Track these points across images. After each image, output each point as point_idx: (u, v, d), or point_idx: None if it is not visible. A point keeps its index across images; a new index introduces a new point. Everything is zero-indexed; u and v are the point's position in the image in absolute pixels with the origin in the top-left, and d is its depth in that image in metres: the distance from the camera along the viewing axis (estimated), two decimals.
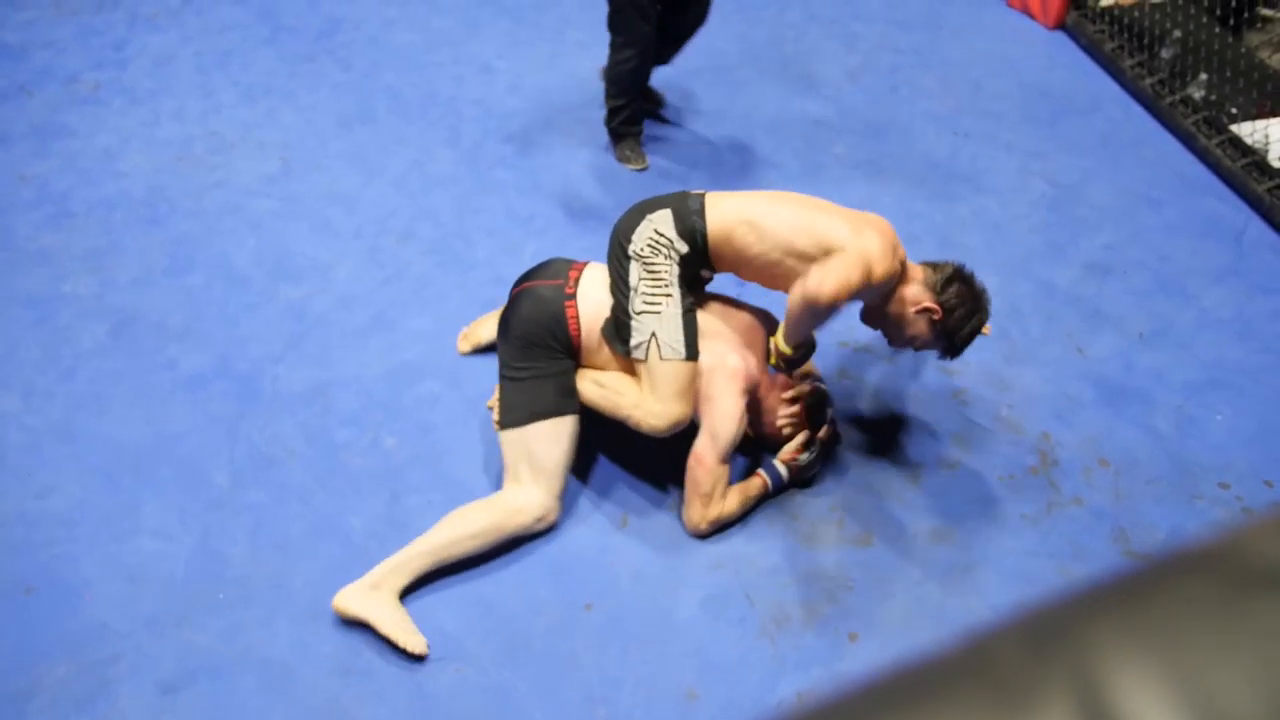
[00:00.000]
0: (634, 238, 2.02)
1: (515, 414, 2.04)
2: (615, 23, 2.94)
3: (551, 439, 2.03)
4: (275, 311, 2.61)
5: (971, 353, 2.66)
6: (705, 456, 2.07)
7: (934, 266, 2.09)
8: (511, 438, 2.05)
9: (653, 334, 2.00)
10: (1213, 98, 3.49)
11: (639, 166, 3.21)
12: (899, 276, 2.03)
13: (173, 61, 3.47)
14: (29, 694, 1.80)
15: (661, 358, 2.01)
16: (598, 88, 3.56)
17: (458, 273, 2.77)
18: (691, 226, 2.01)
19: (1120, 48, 3.80)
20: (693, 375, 2.05)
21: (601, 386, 2.09)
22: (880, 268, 1.92)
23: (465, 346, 2.53)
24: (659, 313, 2.00)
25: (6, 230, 2.76)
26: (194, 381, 2.40)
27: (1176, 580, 0.32)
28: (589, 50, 3.75)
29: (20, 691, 1.80)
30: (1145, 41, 3.73)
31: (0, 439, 2.23)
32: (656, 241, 2.01)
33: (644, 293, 2.00)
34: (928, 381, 2.57)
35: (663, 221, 2.02)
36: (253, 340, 2.52)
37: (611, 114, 3.18)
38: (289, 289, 2.68)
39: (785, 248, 2.00)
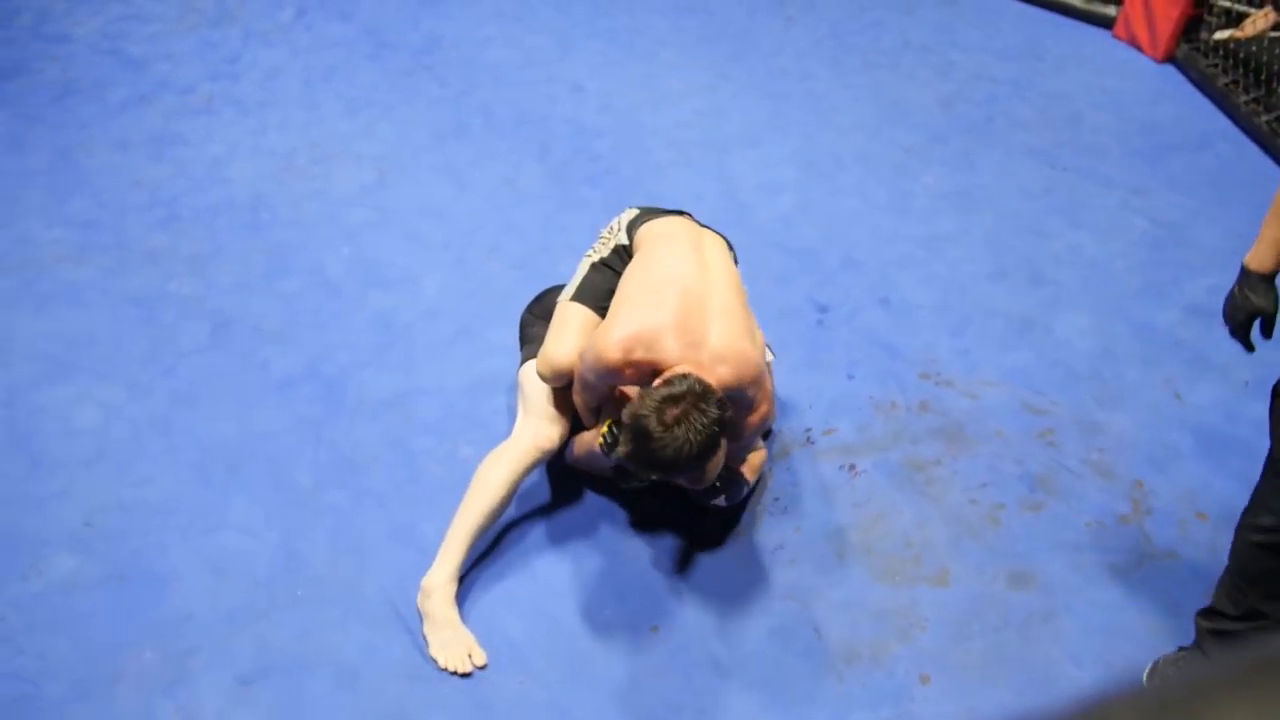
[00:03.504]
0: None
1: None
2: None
3: (529, 374, 2.15)
4: (365, 319, 2.68)
5: (1060, 392, 2.58)
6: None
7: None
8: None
9: (570, 281, 2.20)
10: None
11: None
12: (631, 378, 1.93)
13: (281, 75, 3.62)
14: (116, 677, 1.88)
15: (558, 300, 2.17)
16: (685, 107, 3.58)
17: (540, 287, 2.80)
18: (631, 229, 2.17)
19: (1235, 83, 3.64)
20: (575, 316, 2.09)
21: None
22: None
23: None
24: (577, 267, 2.20)
25: (121, 231, 2.91)
26: (285, 383, 2.49)
27: None
28: (679, 72, 3.77)
29: (109, 675, 1.88)
30: (1262, 77, 3.56)
31: (105, 429, 2.34)
32: (615, 224, 2.23)
33: (585, 254, 2.24)
34: (1013, 419, 2.50)
35: (627, 215, 2.23)
36: (342, 346, 2.60)
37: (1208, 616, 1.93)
38: (379, 297, 2.75)
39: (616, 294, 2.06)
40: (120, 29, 3.78)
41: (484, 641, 1.97)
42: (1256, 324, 1.81)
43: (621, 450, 1.82)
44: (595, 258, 2.18)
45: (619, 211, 2.35)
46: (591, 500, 2.28)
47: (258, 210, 3.03)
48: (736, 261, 2.22)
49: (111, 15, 3.85)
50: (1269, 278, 1.76)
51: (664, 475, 1.84)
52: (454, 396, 2.48)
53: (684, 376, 1.79)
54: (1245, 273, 1.78)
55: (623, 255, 2.15)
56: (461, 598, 2.04)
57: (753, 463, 2.17)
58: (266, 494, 2.23)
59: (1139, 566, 2.18)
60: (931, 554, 2.19)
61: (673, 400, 1.74)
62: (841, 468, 2.37)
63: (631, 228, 2.17)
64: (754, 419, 1.97)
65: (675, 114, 3.56)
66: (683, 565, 2.16)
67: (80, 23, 3.79)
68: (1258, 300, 1.77)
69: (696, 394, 1.75)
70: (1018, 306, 2.84)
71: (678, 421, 1.72)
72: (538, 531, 2.21)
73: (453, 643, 1.94)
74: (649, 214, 2.20)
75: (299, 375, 2.51)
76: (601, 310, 2.08)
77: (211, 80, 3.56)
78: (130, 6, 3.91)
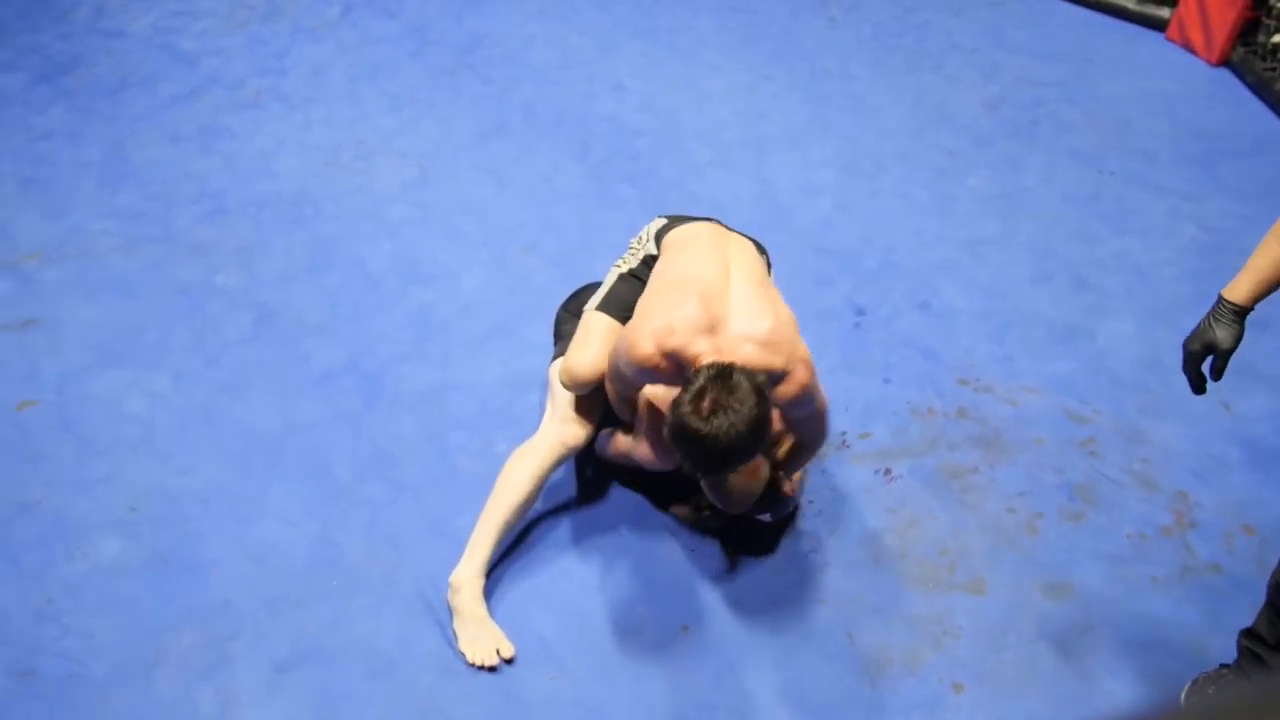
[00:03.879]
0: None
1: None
2: None
3: (556, 372, 2.16)
4: (404, 314, 2.71)
5: (1103, 400, 2.53)
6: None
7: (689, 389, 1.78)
8: None
9: (597, 290, 2.20)
10: None
11: None
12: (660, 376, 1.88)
13: (327, 71, 3.67)
14: (158, 661, 1.92)
15: (584, 309, 2.17)
16: (726, 108, 3.57)
17: (577, 285, 2.82)
18: (659, 239, 2.16)
19: None
20: (599, 326, 2.09)
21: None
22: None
23: None
24: (605, 277, 2.21)
25: (170, 223, 2.97)
26: (325, 376, 2.52)
27: None
28: (720, 72, 3.76)
29: (151, 658, 1.93)
30: None
31: (151, 418, 2.39)
32: (644, 234, 2.22)
33: (614, 264, 2.24)
34: (1054, 428, 2.46)
35: (656, 224, 2.22)
36: (381, 340, 2.63)
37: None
38: (418, 292, 2.78)
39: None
40: (173, 25, 3.86)
41: (514, 637, 1.99)
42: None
43: (685, 464, 1.81)
44: (624, 268, 2.17)
45: (657, 212, 2.35)
46: (622, 498, 2.28)
47: (302, 205, 3.07)
48: (770, 266, 2.21)
49: (165, 11, 3.93)
50: (1240, 311, 1.65)
51: (729, 465, 1.79)
52: (489, 393, 2.50)
53: (698, 371, 1.78)
54: (1219, 301, 1.67)
55: (651, 266, 2.14)
56: (492, 594, 2.05)
57: (794, 476, 2.17)
58: (305, 485, 2.26)
59: (1181, 579, 2.13)
60: (967, 561, 2.16)
61: (700, 394, 1.74)
62: (877, 472, 2.35)
63: (659, 237, 2.16)
64: (790, 388, 1.87)
65: (716, 114, 3.55)
66: (716, 566, 2.16)
67: (135, 18, 3.88)
68: (1218, 332, 1.66)
69: (717, 377, 1.74)
70: (1061, 313, 2.79)
71: (714, 410, 1.71)
72: (568, 529, 2.22)
73: (481, 637, 1.96)
74: (676, 222, 2.19)
75: (339, 368, 2.55)
76: (626, 320, 2.07)
77: (260, 76, 3.62)
78: (183, 3, 3.98)
